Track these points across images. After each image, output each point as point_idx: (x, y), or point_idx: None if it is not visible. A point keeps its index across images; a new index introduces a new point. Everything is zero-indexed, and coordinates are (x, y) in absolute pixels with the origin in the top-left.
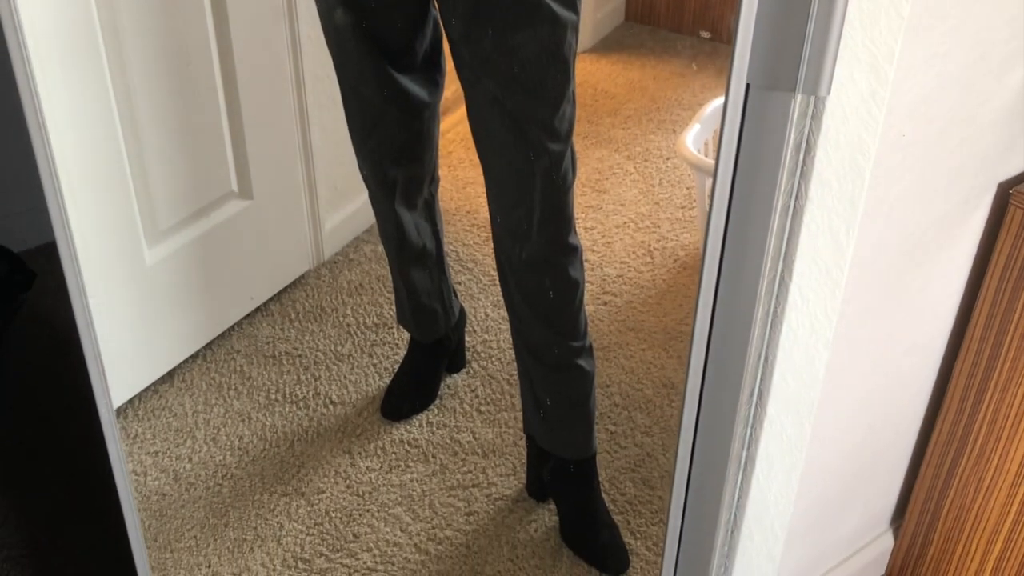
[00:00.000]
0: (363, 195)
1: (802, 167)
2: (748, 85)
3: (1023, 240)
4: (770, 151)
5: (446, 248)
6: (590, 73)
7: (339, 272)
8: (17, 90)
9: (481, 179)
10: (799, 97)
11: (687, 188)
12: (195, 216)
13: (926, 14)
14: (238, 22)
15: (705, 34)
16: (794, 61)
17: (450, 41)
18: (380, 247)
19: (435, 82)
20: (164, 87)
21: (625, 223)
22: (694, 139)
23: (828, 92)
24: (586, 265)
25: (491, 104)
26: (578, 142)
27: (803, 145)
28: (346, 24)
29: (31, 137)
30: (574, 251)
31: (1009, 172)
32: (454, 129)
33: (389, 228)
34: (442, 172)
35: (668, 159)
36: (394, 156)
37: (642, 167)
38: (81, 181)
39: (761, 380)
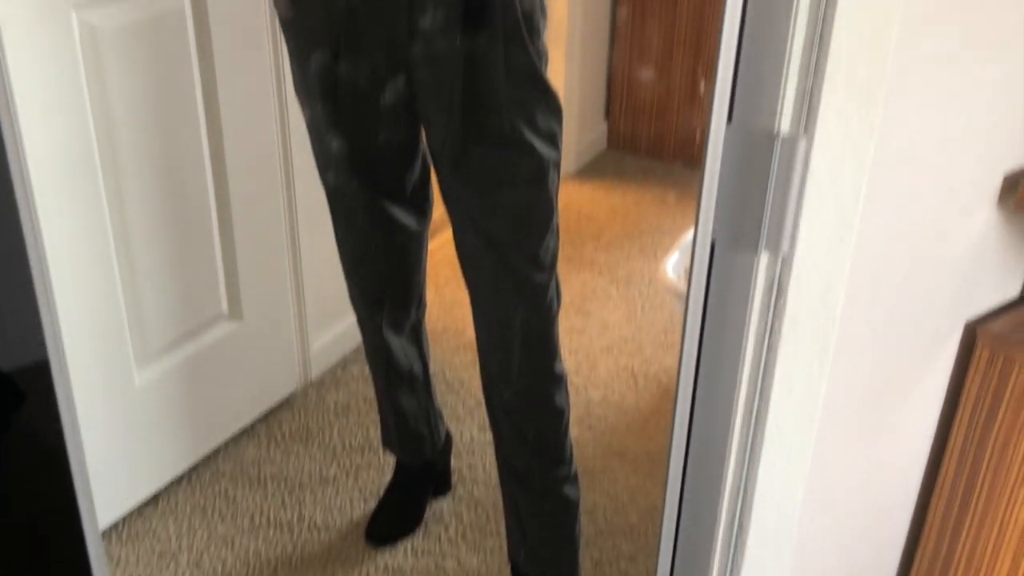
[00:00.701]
0: (352, 314)
1: (774, 307)
2: (713, 241)
3: (992, 378)
4: (737, 302)
5: (432, 369)
6: (573, 198)
7: (326, 392)
8: (16, 213)
9: (467, 299)
10: (764, 254)
11: (669, 313)
12: (185, 337)
13: (888, 161)
14: (233, 147)
15: (684, 164)
16: (756, 221)
17: (438, 173)
18: (367, 367)
19: (423, 211)
20: (159, 209)
21: (609, 346)
22: (674, 266)
23: (791, 248)
24: (571, 388)
25: (477, 234)
26: (562, 265)
27: (775, 285)
28: (338, 153)
29: (29, 259)
30: (559, 380)
31: (976, 311)
32: (441, 250)
33: (376, 352)
34: (429, 292)
35: (650, 283)
36: (383, 282)
37: (625, 291)
38: (75, 303)
39: (740, 512)
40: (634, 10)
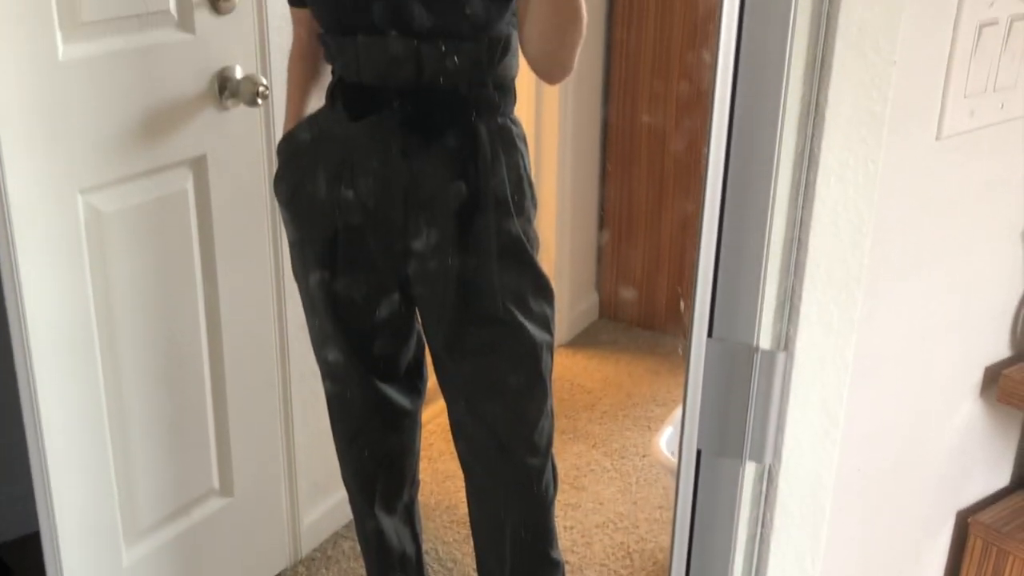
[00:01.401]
0: (343, 489)
1: (763, 508)
2: (699, 451)
3: (986, 570)
4: (725, 507)
5: (424, 547)
6: (566, 367)
7: (316, 570)
8: (16, 389)
9: (461, 472)
10: (749, 464)
11: (664, 488)
12: (175, 514)
13: (870, 357)
14: (230, 326)
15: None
16: (740, 433)
17: (432, 354)
18: (358, 545)
19: (417, 390)
20: (154, 386)
21: (604, 523)
22: (667, 442)
23: (776, 459)
24: (566, 568)
25: (470, 416)
26: (556, 437)
27: (763, 490)
28: (334, 335)
29: (26, 433)
30: (556, 566)
31: (967, 500)
32: (435, 420)
33: (368, 535)
34: (422, 464)
35: (644, 456)
36: (376, 463)
37: (619, 464)
38: (65, 478)
39: None
40: (622, 185)
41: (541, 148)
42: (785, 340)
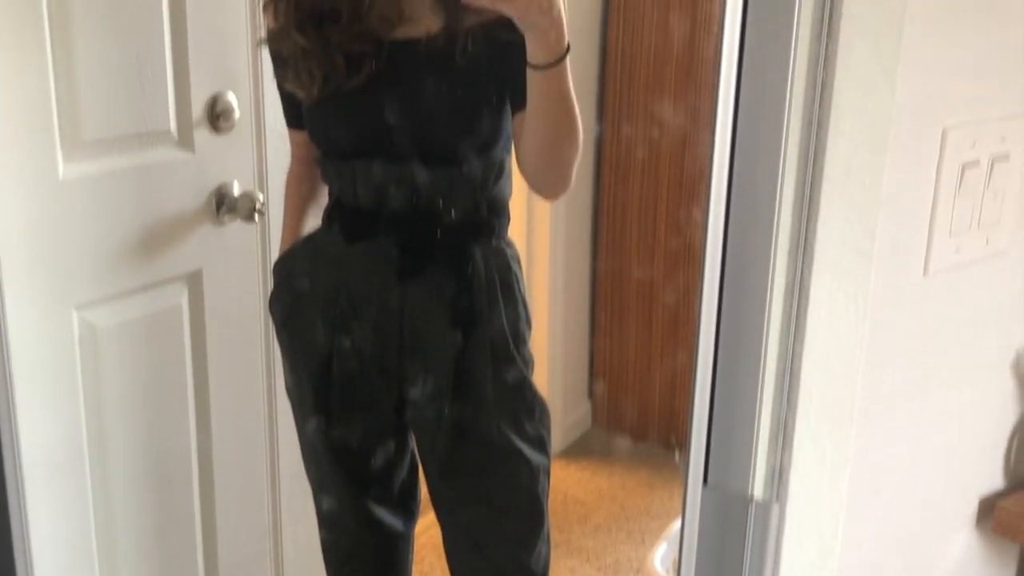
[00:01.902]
0: None
1: None
2: None
3: None
4: None
5: None
6: (559, 479)
7: None
8: (7, 509)
9: None
10: None
11: None
12: None
13: (865, 487)
14: (221, 445)
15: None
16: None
17: (426, 475)
18: None
19: (410, 512)
20: (143, 503)
21: None
22: (662, 559)
23: None
24: None
25: (464, 538)
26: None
27: None
28: (326, 454)
29: (14, 551)
30: None
31: None
32: (426, 533)
33: None
34: None
35: (638, 571)
36: None
37: None
38: None
39: None
40: (613, 296)
41: (533, 259)
42: (780, 478)
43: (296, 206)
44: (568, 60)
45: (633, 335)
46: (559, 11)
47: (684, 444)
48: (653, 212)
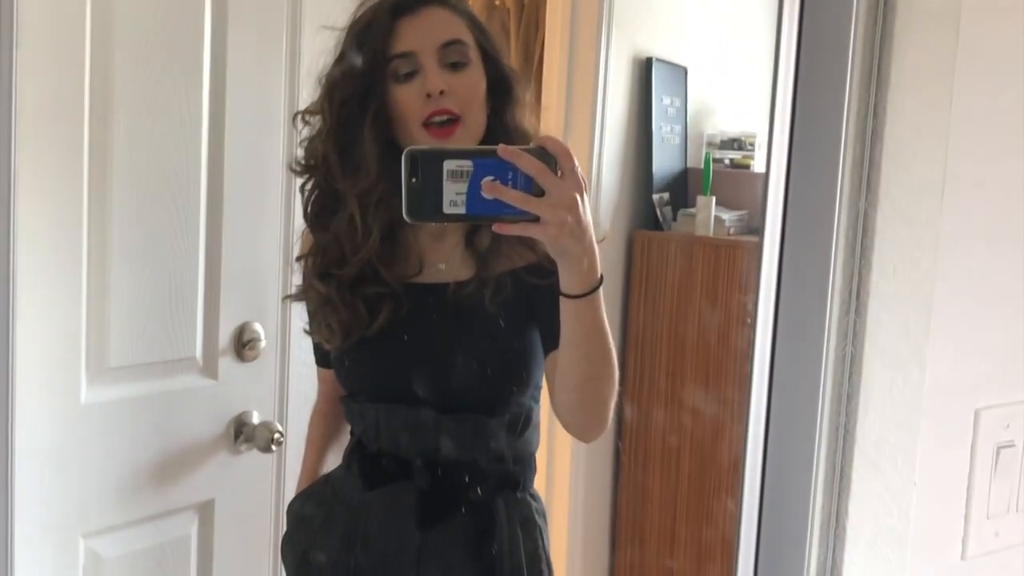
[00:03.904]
0: None
1: None
2: None
3: None
4: None
5: None
6: None
7: None
8: None
9: None
10: None
11: None
12: None
13: None
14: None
15: None
16: None
17: None
18: None
19: None
20: None
21: None
22: None
23: None
24: None
25: None
26: None
27: None
28: None
29: None
30: None
31: None
32: None
33: None
34: None
35: None
36: None
37: None
38: None
39: None
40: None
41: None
42: None
43: (318, 444)
44: (601, 292)
45: None
46: (591, 239)
47: None
48: (673, 500)
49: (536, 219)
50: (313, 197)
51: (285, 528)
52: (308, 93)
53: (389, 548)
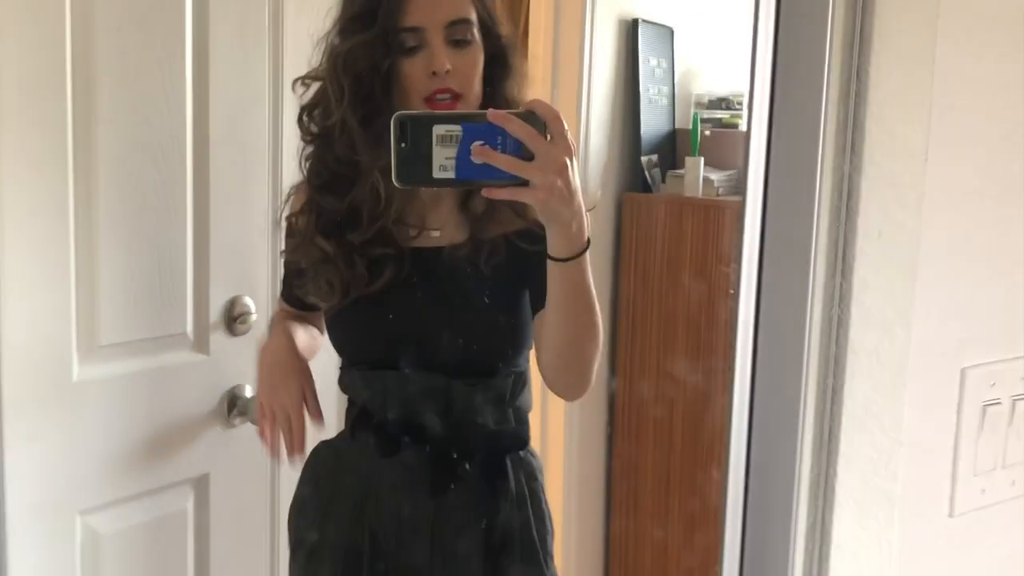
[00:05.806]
0: None
1: None
2: None
3: None
4: None
5: None
6: None
7: None
8: None
9: None
10: None
11: None
12: None
13: None
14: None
15: None
16: None
17: None
18: None
19: None
20: None
21: None
22: None
23: None
24: None
25: None
26: None
27: None
28: None
29: None
30: None
31: None
32: None
33: None
34: None
35: None
36: None
37: None
38: None
39: None
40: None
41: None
42: None
43: (285, 318)
44: (588, 256)
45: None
46: (579, 203)
47: None
48: (667, 471)
49: (525, 183)
50: (322, 165)
51: (293, 496)
52: (292, 60)
53: (403, 515)
